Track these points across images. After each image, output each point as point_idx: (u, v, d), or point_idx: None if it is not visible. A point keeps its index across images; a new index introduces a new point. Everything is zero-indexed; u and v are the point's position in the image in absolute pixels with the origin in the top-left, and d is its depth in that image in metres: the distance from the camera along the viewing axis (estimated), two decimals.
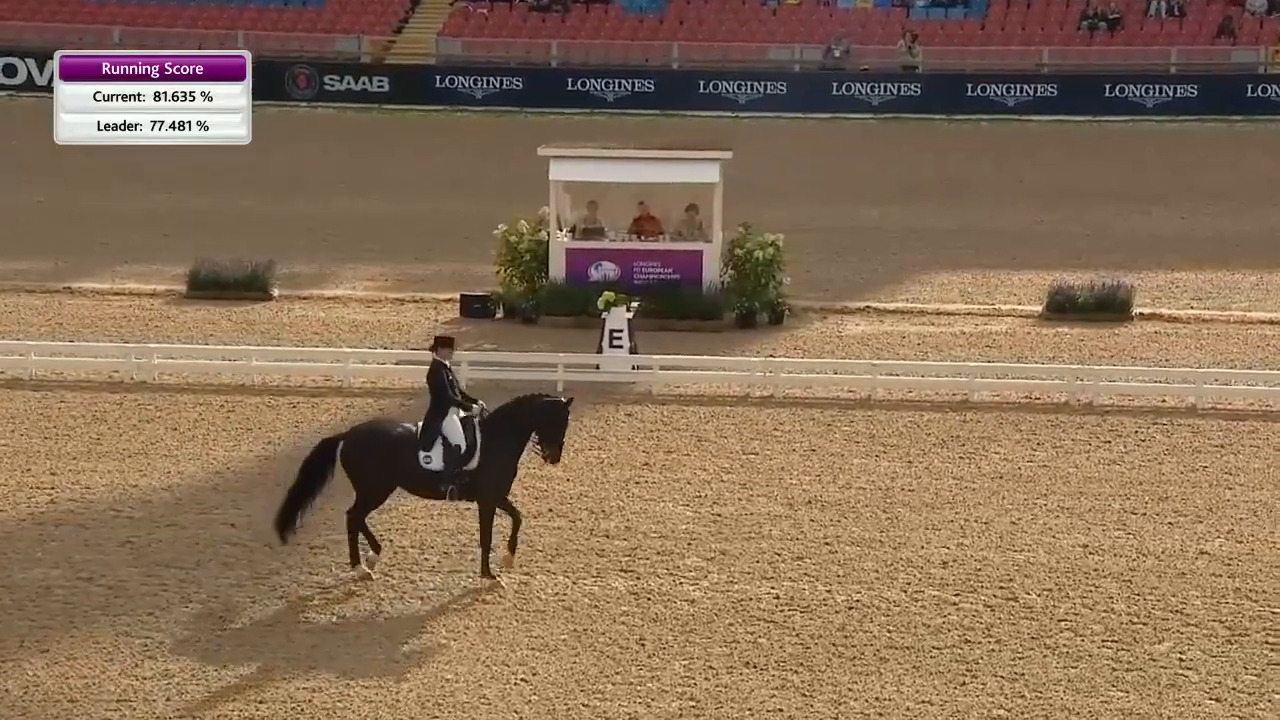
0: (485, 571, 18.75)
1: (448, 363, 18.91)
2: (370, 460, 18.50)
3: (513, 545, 18.83)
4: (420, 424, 18.65)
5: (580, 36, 56.29)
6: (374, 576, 18.65)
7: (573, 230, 30.23)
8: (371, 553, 18.83)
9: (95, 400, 24.71)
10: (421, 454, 18.46)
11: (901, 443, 23.82)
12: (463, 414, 18.61)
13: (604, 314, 26.91)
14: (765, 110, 52.47)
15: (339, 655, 17.00)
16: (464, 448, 18.44)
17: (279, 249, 34.16)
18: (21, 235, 35.80)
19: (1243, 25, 54.21)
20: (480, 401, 18.91)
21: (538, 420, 18.65)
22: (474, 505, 18.91)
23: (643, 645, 17.56)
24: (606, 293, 27.13)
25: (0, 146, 45.53)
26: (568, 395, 19.34)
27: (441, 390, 18.64)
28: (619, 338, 26.74)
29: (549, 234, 29.79)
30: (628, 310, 27.13)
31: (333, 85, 53.41)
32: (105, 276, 32.28)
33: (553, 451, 18.67)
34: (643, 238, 30.04)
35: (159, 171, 42.56)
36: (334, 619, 17.83)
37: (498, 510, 18.80)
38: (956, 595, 18.83)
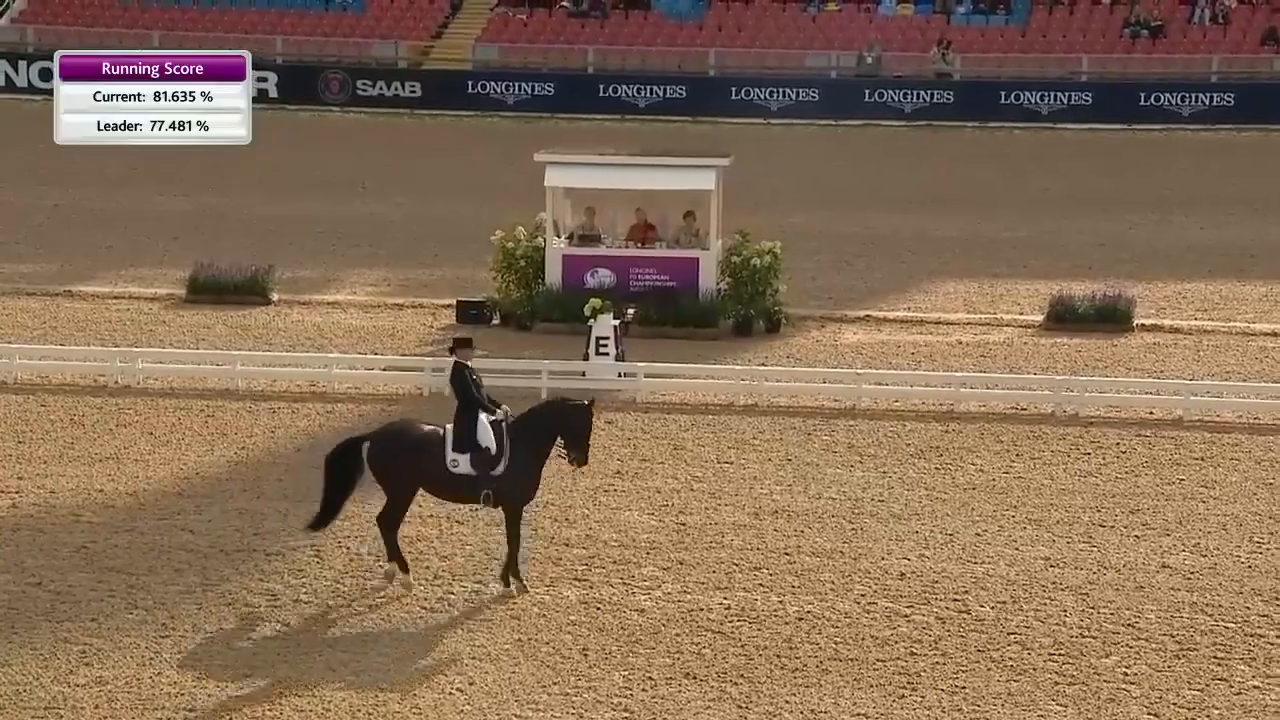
0: (514, 576, 18.62)
1: (469, 363, 18.84)
2: (396, 462, 18.47)
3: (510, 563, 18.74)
4: (447, 426, 18.55)
5: (618, 42, 56.33)
6: (413, 587, 18.50)
7: (570, 237, 30.29)
8: (396, 569, 18.64)
9: (75, 404, 24.89)
10: (449, 457, 18.40)
11: (879, 453, 23.70)
12: (490, 417, 18.54)
13: (591, 321, 26.96)
14: (797, 117, 52.33)
15: (277, 664, 17.05)
16: (494, 450, 18.39)
17: (287, 252, 34.44)
18: (30, 238, 36.17)
19: None
20: (504, 406, 18.86)
21: (562, 424, 18.63)
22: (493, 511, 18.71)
23: (585, 655, 17.55)
24: (593, 300, 27.16)
25: (25, 150, 46.03)
26: (589, 398, 19.18)
27: (467, 391, 18.59)
28: (605, 345, 26.75)
29: (545, 240, 29.88)
30: (617, 318, 27.19)
31: (365, 90, 53.65)
32: (107, 280, 32.55)
33: (578, 455, 18.64)
34: (640, 244, 30.10)
35: (178, 174, 42.94)
36: (279, 626, 17.88)
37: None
38: (909, 607, 18.72)
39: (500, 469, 18.44)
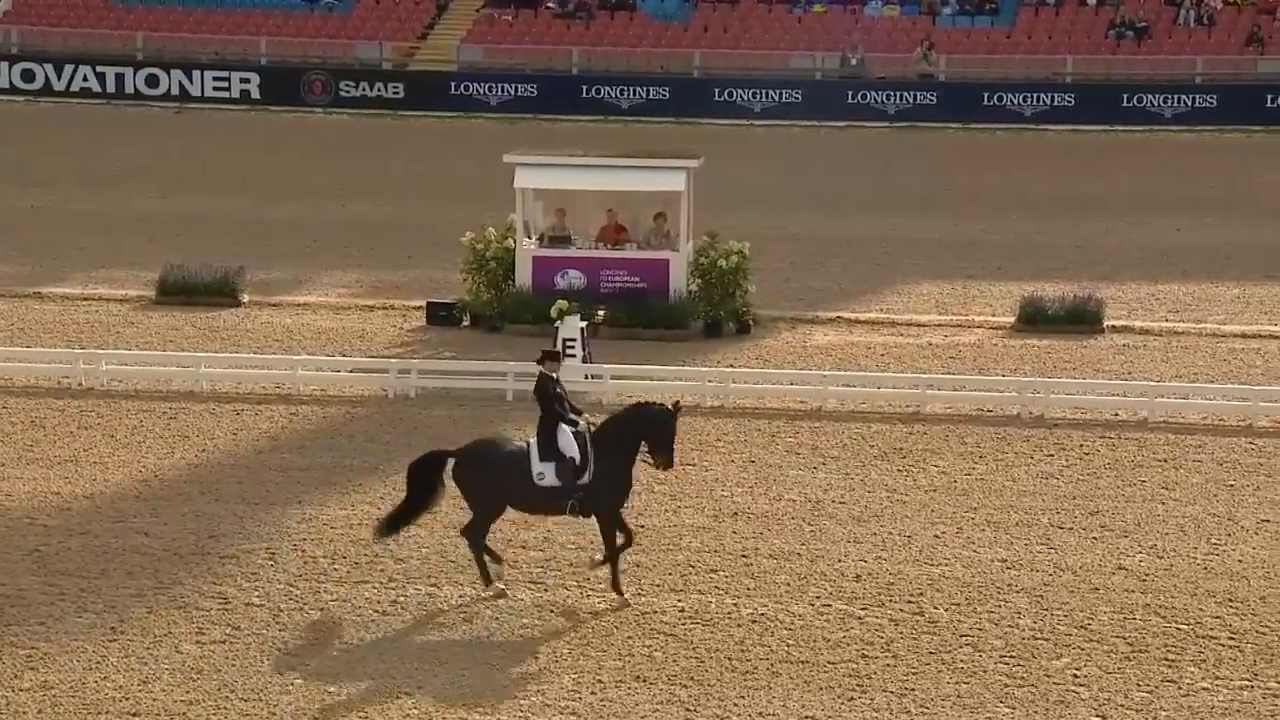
0: (615, 587, 18.52)
1: (556, 375, 18.78)
2: (482, 478, 18.46)
3: (607, 559, 18.63)
4: (530, 440, 18.53)
5: (603, 43, 56.29)
6: (507, 593, 18.47)
7: (540, 238, 30.23)
8: (495, 566, 18.62)
9: (38, 406, 24.82)
10: (535, 471, 18.36)
11: (843, 454, 23.64)
12: (572, 428, 18.50)
13: (557, 323, 26.92)
14: (780, 118, 52.28)
15: (224, 667, 16.98)
16: (578, 460, 18.35)
17: (262, 254, 34.38)
18: (4, 239, 36.00)
19: (1272, 35, 53.62)
20: (585, 415, 18.83)
21: (646, 429, 18.53)
22: (591, 520, 18.63)
23: (536, 658, 17.48)
24: (559, 302, 27.13)
25: (7, 151, 46.02)
26: (675, 401, 19.04)
27: (550, 403, 18.54)
28: (572, 346, 26.69)
29: (515, 241, 29.83)
30: (583, 320, 27.14)
31: (348, 91, 53.61)
32: (78, 281, 32.48)
33: (664, 459, 18.54)
34: (610, 246, 30.05)
35: (159, 176, 42.97)
36: (229, 630, 17.79)
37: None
38: (863, 609, 18.65)
39: (586, 478, 18.40)
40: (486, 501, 18.51)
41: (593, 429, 18.53)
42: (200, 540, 19.99)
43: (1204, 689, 16.78)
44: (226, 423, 24.40)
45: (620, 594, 18.57)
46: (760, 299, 30.47)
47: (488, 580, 18.64)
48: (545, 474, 18.31)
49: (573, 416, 18.58)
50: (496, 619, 18.31)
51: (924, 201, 41.38)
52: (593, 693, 16.77)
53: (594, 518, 18.68)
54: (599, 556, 18.78)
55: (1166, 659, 17.37)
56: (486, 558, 18.69)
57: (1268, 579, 19.32)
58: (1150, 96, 51.22)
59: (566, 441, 18.34)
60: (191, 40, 56.26)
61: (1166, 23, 54.58)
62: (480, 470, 18.43)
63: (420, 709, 16.40)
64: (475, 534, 18.64)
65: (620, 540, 18.69)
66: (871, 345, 29.18)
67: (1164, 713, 16.34)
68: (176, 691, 16.44)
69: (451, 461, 18.55)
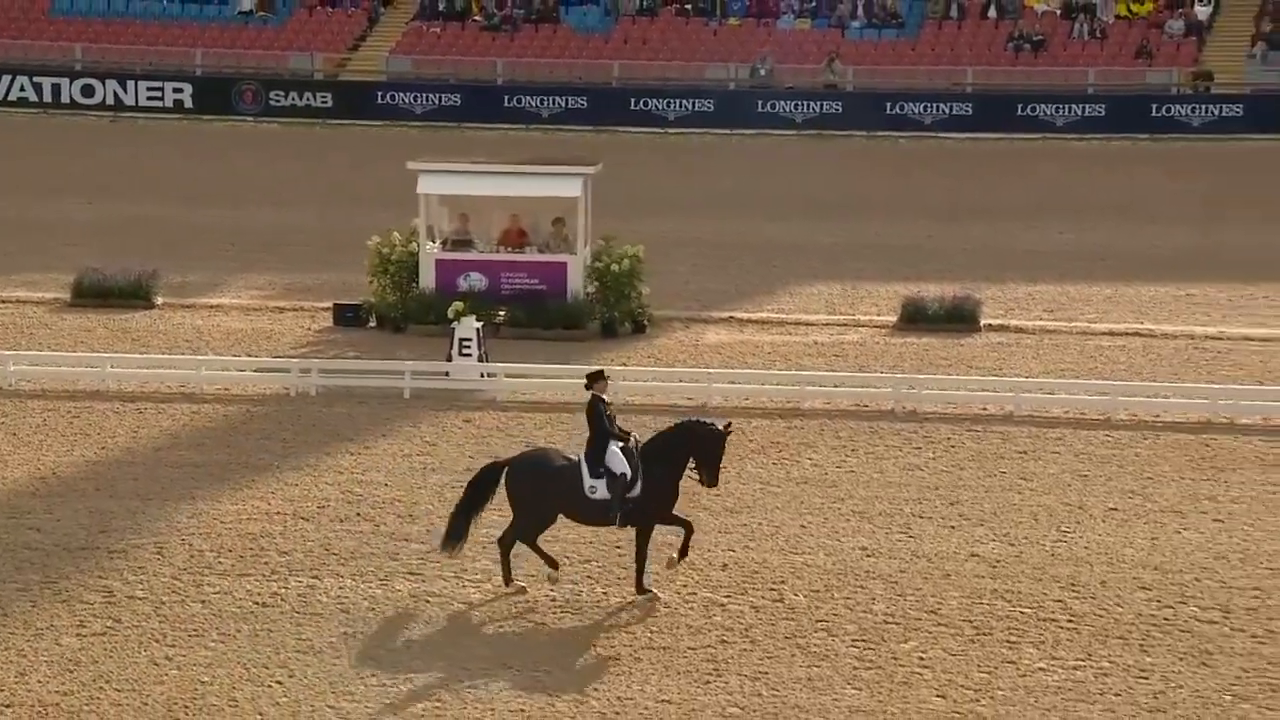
0: (640, 588, 18.51)
1: (605, 397, 18.74)
2: (535, 488, 18.44)
3: (683, 552, 18.62)
4: (580, 455, 18.51)
5: (527, 55, 56.16)
6: (553, 583, 18.46)
7: (445, 242, 30.11)
8: (551, 570, 18.55)
9: None
10: (587, 484, 18.36)
11: None
12: (620, 445, 18.44)
13: (454, 324, 26.81)
14: (693, 126, 52.28)
15: (101, 659, 16.81)
16: (629, 475, 18.31)
17: (182, 258, 34.06)
18: None
19: (1160, 48, 53.98)
20: (634, 434, 18.74)
21: (696, 446, 18.44)
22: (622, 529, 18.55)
23: (408, 647, 17.39)
24: (456, 303, 27.04)
25: None
26: (726, 422, 18.87)
27: (600, 424, 18.50)
28: (468, 346, 26.60)
29: (419, 245, 29.69)
30: (480, 320, 27.04)
31: (278, 101, 53.25)
32: None
33: (710, 477, 18.45)
34: (512, 249, 29.94)
35: (90, 183, 42.55)
36: (110, 623, 17.61)
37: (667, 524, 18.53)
38: (727, 597, 18.64)
39: (635, 491, 18.37)
40: (538, 510, 18.50)
41: (638, 444, 18.51)
42: (91, 535, 19.79)
43: (1040, 669, 16.83)
44: (129, 421, 24.16)
45: (644, 592, 18.42)
46: (659, 300, 30.42)
47: (508, 580, 18.64)
48: (597, 488, 18.38)
49: (621, 434, 18.60)
50: (372, 609, 18.19)
51: (826, 207, 41.38)
52: (459, 680, 16.67)
53: (634, 528, 18.54)
54: (675, 555, 18.65)
55: (1008, 641, 17.42)
56: (542, 560, 18.63)
57: (1109, 564, 19.41)
58: (1043, 106, 51.40)
59: (616, 459, 18.37)
60: (129, 51, 55.84)
61: (1062, 36, 54.85)
62: (535, 480, 18.48)
63: (291, 696, 16.25)
64: (509, 541, 18.62)
65: (683, 533, 18.57)
66: (760, 344, 29.15)
67: (1001, 692, 16.38)
68: (53, 683, 16.25)
69: (506, 470, 18.58)
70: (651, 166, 46.23)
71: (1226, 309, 31.73)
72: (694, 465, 18.48)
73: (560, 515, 18.71)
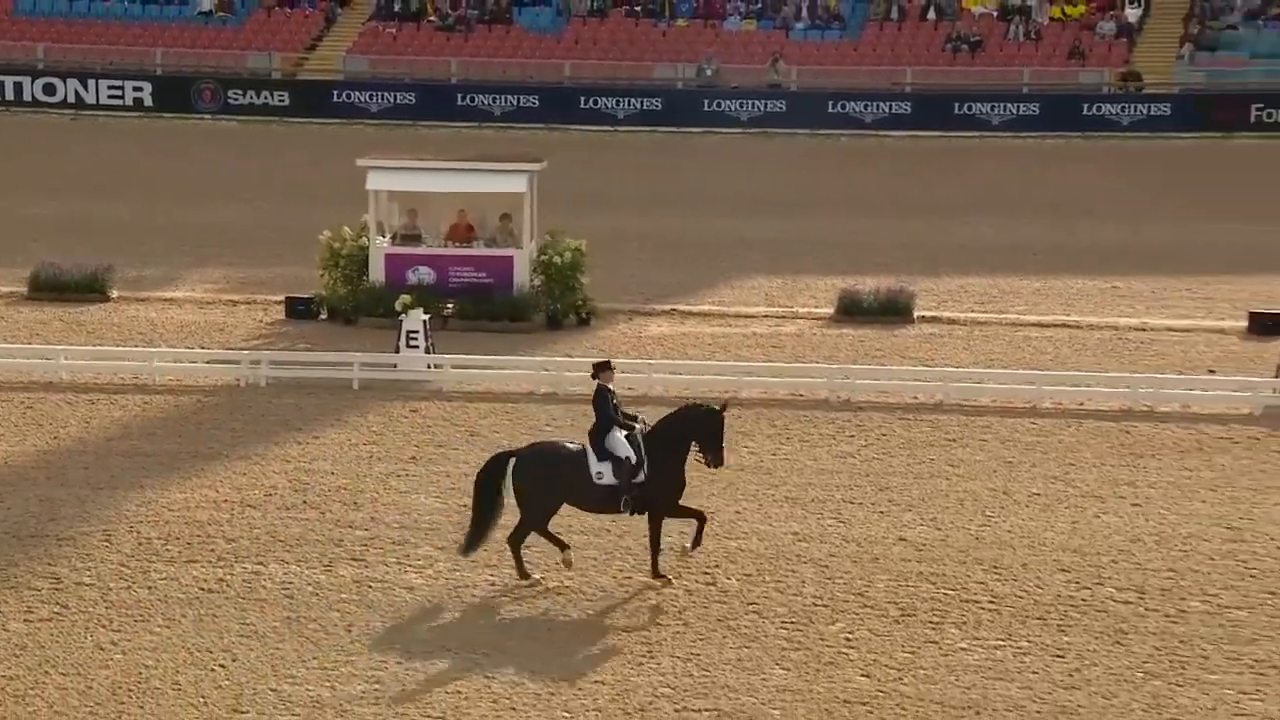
0: (655, 573, 18.42)
1: (611, 385, 18.61)
2: (542, 478, 18.30)
3: (696, 541, 18.59)
4: (586, 444, 18.40)
5: (481, 55, 56.11)
6: (568, 566, 18.36)
7: (394, 237, 30.05)
8: (566, 552, 18.44)
9: None
10: (594, 471, 18.25)
11: None
12: (624, 431, 18.34)
13: (402, 316, 26.77)
14: (642, 124, 52.38)
15: (48, 644, 16.70)
16: (633, 459, 18.21)
17: (138, 253, 33.91)
18: None
19: (1093, 49, 54.28)
20: (641, 417, 18.65)
21: (695, 429, 18.38)
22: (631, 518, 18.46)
23: (349, 631, 17.34)
24: (403, 296, 27.01)
25: None
26: (723, 403, 18.86)
27: (606, 412, 18.40)
28: (415, 338, 26.56)
29: (369, 240, 29.63)
30: (427, 313, 27.00)
31: (236, 99, 53.10)
32: None
33: (714, 457, 18.38)
34: (459, 244, 29.90)
35: (51, 180, 42.25)
36: (56, 609, 17.51)
37: (680, 515, 18.48)
38: (662, 581, 18.67)
39: (641, 476, 18.28)
40: (544, 499, 18.37)
41: (645, 430, 18.41)
42: (40, 523, 19.68)
43: (962, 649, 16.91)
44: (81, 412, 24.02)
45: (659, 578, 18.36)
46: (605, 293, 30.42)
47: (524, 575, 18.51)
48: (604, 473, 18.27)
49: (627, 422, 18.50)
50: (316, 594, 18.13)
51: (768, 203, 41.44)
52: (399, 663, 16.65)
53: (646, 515, 18.43)
54: (688, 545, 18.65)
55: (932, 622, 17.51)
56: (551, 544, 18.52)
57: (1030, 547, 19.52)
58: (980, 105, 51.68)
59: (618, 443, 18.28)
60: (90, 51, 55.51)
61: (998, 37, 55.13)
62: (541, 469, 18.35)
63: (234, 679, 16.20)
64: (519, 538, 18.49)
65: (696, 522, 18.57)
66: (700, 336, 29.18)
67: (923, 671, 16.46)
68: None
69: (513, 462, 18.42)
70: (601, 164, 46.24)
71: (1150, 301, 31.98)
72: (698, 449, 18.44)
73: (566, 504, 18.52)
